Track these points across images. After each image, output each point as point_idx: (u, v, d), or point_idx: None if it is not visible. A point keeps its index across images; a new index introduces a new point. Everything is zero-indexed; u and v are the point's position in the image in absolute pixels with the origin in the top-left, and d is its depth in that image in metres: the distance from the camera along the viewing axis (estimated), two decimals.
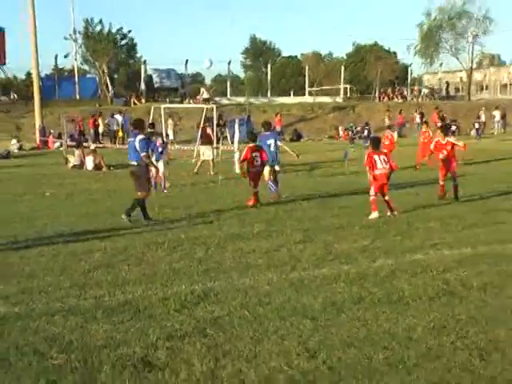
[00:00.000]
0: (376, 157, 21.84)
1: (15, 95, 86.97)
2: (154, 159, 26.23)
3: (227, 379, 8.85)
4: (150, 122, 34.65)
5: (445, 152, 23.97)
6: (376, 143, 22.93)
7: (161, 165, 29.37)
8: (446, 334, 10.52)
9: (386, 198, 22.07)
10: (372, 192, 21.96)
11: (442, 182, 24.98)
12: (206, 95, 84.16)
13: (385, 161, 21.84)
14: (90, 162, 42.68)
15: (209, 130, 42.35)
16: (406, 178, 30.96)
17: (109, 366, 9.36)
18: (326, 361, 9.44)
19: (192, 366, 9.29)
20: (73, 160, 44.38)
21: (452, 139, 24.20)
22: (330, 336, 10.52)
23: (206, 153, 39.29)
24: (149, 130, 24.55)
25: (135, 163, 21.70)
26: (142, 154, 22.09)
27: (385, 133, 41.73)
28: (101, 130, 66.35)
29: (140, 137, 22.34)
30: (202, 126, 44.48)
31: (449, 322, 11.08)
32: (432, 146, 25.87)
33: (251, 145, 26.03)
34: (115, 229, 19.99)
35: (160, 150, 30.54)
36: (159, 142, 30.13)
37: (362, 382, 8.64)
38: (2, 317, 11.78)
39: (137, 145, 21.75)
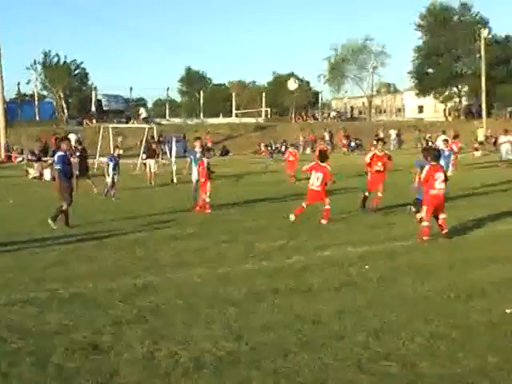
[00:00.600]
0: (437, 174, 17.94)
1: None
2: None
3: (163, 360, 8.83)
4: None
5: (380, 164, 22.74)
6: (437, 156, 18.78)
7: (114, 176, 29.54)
8: (348, 318, 10.59)
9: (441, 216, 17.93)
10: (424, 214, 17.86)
11: (380, 194, 23.34)
12: (144, 114, 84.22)
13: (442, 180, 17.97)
14: (47, 174, 42.28)
15: (154, 146, 42.54)
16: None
17: (61, 349, 9.29)
18: (248, 342, 9.46)
19: (133, 349, 9.26)
20: (33, 172, 44.69)
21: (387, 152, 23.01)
22: (252, 321, 10.53)
23: (152, 165, 39.32)
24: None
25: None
26: (56, 167, 21.99)
27: (289, 149, 41.65)
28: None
29: (59, 153, 22.19)
30: (145, 142, 44.56)
31: (350, 308, 11.16)
32: (368, 158, 23.69)
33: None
34: (68, 232, 19.83)
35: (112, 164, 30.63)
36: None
37: (278, 360, 8.66)
38: None
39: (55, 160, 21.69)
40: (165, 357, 8.96)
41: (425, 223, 17.69)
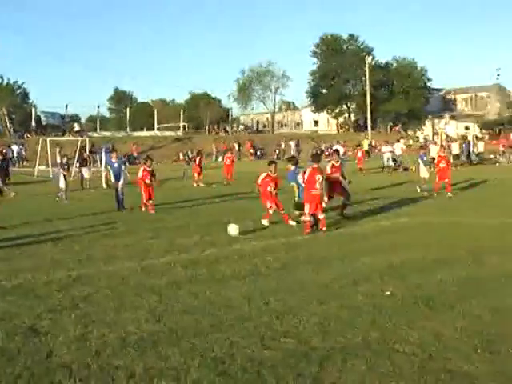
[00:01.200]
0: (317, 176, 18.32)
1: None
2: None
3: (94, 341, 8.74)
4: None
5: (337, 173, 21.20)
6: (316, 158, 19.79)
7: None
8: (255, 302, 10.62)
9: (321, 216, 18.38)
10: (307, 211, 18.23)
11: (326, 200, 20.76)
12: (77, 128, 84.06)
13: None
14: None
15: (85, 155, 42.26)
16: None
17: (4, 333, 9.16)
18: (168, 324, 9.43)
19: (67, 332, 9.15)
20: None
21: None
22: (171, 306, 10.50)
23: (86, 172, 39.01)
24: None
25: None
26: None
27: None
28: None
29: None
30: (79, 152, 44.18)
31: (257, 294, 11.18)
32: (329, 169, 21.58)
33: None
34: (14, 233, 19.54)
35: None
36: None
37: (193, 340, 8.64)
38: None
39: None
40: (95, 338, 8.88)
41: (306, 218, 18.19)
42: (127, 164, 33.97)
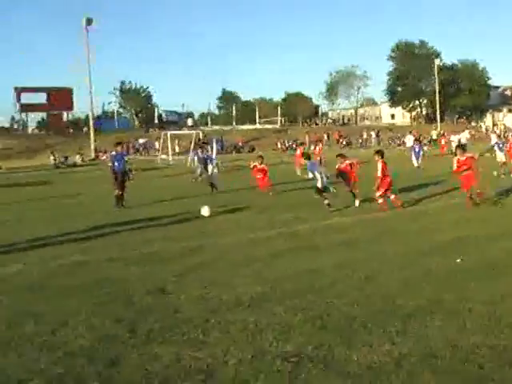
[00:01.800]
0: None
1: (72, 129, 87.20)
2: None
3: (211, 300, 8.93)
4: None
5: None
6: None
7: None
8: (345, 268, 10.64)
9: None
10: None
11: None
12: (190, 123, 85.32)
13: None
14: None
15: (200, 145, 42.68)
16: None
17: (139, 293, 9.44)
18: (272, 287, 9.51)
19: (190, 292, 9.35)
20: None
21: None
22: (274, 272, 10.62)
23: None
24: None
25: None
26: (109, 164, 22.33)
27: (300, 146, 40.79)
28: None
29: (112, 153, 22.55)
30: (194, 143, 44.75)
31: (347, 261, 11.18)
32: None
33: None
34: (141, 216, 19.92)
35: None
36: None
37: (294, 299, 8.74)
38: (75, 263, 11.89)
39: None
40: (213, 298, 9.06)
41: (381, 200, 18.19)
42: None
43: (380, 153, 18.69)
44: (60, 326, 7.97)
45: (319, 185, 18.90)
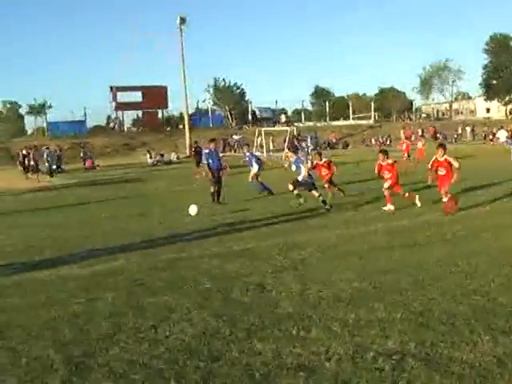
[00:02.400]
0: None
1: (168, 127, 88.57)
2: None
3: (311, 296, 8.83)
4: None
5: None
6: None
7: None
8: (445, 264, 10.37)
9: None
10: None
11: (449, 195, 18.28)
12: (284, 119, 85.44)
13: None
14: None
15: (296, 142, 42.71)
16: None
17: (238, 288, 9.43)
18: (371, 283, 9.38)
19: (289, 288, 9.28)
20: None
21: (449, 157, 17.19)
22: (374, 268, 10.44)
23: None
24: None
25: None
26: (203, 162, 22.61)
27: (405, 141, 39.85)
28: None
29: (205, 151, 22.59)
30: (289, 140, 44.78)
31: (446, 257, 10.93)
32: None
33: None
34: (231, 209, 20.04)
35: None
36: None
37: (394, 296, 8.57)
38: (173, 259, 12.00)
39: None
40: (312, 294, 8.96)
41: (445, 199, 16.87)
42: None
43: (443, 147, 17.47)
44: (161, 320, 8.02)
45: (300, 178, 18.99)
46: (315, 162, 21.83)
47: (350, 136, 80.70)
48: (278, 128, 70.05)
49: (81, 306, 8.95)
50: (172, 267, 11.33)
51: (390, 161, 18.88)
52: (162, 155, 58.84)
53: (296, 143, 43.57)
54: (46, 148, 48.48)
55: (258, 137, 55.92)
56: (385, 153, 19.13)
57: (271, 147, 61.63)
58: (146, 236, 15.13)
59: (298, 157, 20.55)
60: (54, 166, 45.78)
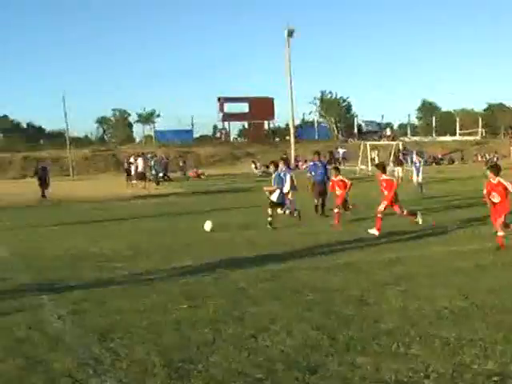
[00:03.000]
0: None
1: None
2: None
3: (412, 312, 8.69)
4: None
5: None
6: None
7: None
8: None
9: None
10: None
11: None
12: (388, 132, 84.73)
13: None
14: None
15: (401, 157, 42.32)
16: None
17: (340, 301, 9.39)
18: (474, 301, 9.15)
19: (390, 303, 9.19)
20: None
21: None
22: (477, 286, 10.18)
23: (399, 171, 38.49)
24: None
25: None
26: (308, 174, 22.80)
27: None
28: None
29: (311, 163, 22.66)
30: (394, 154, 44.42)
31: None
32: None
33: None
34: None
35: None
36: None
37: (501, 315, 8.34)
38: (276, 270, 12.08)
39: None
40: (413, 310, 8.81)
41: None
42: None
43: (495, 168, 14.66)
44: (261, 330, 8.07)
45: (284, 189, 19.63)
46: (330, 178, 21.20)
47: (456, 152, 79.18)
48: (383, 142, 69.48)
49: (183, 312, 9.13)
50: (275, 278, 11.39)
51: (341, 177, 19.74)
52: (267, 166, 59.20)
53: (401, 157, 43.04)
54: (154, 156, 49.73)
55: (363, 151, 55.58)
56: (337, 170, 20.10)
57: (376, 161, 61.19)
58: (251, 246, 15.30)
59: (289, 168, 20.64)
60: (161, 174, 46.88)
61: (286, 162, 24.52)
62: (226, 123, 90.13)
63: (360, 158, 54.99)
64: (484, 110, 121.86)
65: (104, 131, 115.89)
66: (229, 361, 6.98)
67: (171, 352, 7.34)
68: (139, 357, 7.21)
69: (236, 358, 7.09)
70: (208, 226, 18.55)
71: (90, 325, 8.62)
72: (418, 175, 31.55)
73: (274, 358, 7.05)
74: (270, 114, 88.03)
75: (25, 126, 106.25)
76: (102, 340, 7.89)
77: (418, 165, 32.01)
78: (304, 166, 58.74)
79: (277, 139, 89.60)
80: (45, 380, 6.56)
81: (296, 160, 66.67)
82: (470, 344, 7.25)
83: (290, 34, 66.57)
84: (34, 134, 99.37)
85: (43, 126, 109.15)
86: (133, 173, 47.37)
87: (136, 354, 7.33)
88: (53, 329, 8.53)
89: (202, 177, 54.69)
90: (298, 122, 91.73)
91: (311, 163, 22.86)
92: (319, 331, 7.91)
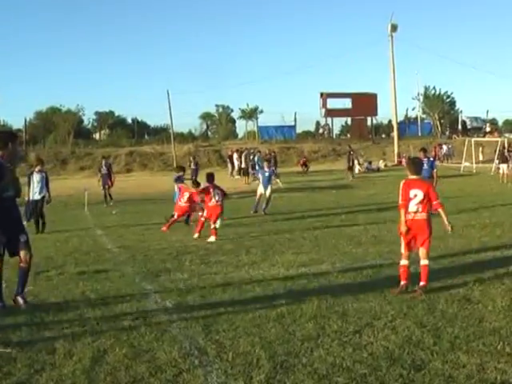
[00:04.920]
0: None
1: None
2: None
3: None
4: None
5: None
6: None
7: None
8: None
9: None
10: None
11: None
12: (488, 129, 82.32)
13: None
14: None
15: (506, 153, 41.10)
16: None
17: (444, 300, 9.18)
18: None
19: (496, 302, 8.91)
20: None
21: None
22: None
23: (504, 168, 37.46)
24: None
25: None
26: None
27: None
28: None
29: None
30: (499, 151, 43.26)
31: None
32: None
33: None
34: None
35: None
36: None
37: None
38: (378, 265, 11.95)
39: None
40: None
41: None
42: None
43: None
44: (364, 326, 8.00)
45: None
46: None
47: None
48: (487, 138, 67.62)
49: (286, 306, 9.13)
50: (378, 273, 11.30)
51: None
52: (370, 162, 58.72)
53: (506, 154, 41.67)
54: (258, 152, 50.03)
55: (467, 147, 54.29)
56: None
57: (481, 158, 59.63)
58: (354, 241, 15.22)
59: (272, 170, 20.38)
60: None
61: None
62: (329, 119, 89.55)
63: (464, 155, 53.65)
64: None
65: (207, 127, 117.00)
66: (333, 356, 6.92)
67: (275, 345, 7.35)
68: (244, 349, 7.25)
69: (340, 353, 7.01)
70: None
71: (195, 316, 8.75)
72: None
73: (377, 354, 6.93)
74: (373, 110, 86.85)
75: (130, 121, 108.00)
76: (207, 332, 7.99)
77: None
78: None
79: (382, 135, 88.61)
80: (150, 369, 6.71)
81: (399, 156, 65.82)
82: None
83: (394, 28, 65.87)
84: (138, 130, 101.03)
85: (148, 122, 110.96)
86: (236, 168, 47.86)
87: (242, 346, 7.38)
88: (158, 319, 8.73)
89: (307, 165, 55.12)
90: (400, 118, 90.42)
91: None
92: (423, 329, 7.74)
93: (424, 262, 9.87)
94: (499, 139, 53.95)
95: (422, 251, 9.90)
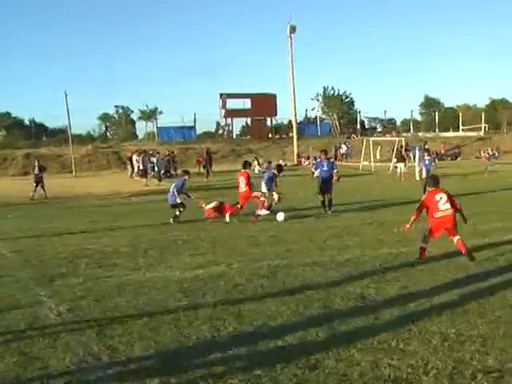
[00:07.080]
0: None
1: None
2: None
3: (412, 309, 8.65)
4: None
5: None
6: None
7: None
8: None
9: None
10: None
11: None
12: (379, 129, 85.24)
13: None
14: None
15: (403, 152, 42.40)
16: None
17: (340, 297, 9.35)
18: (474, 298, 9.14)
19: (392, 300, 9.12)
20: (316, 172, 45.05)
21: None
22: (474, 282, 10.15)
23: (402, 167, 38.77)
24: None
25: None
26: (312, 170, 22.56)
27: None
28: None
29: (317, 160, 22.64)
30: (396, 150, 44.44)
31: None
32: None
33: None
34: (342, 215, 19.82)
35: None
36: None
37: (497, 313, 8.33)
38: (275, 265, 12.04)
39: None
40: (412, 306, 8.78)
41: None
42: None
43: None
44: (262, 325, 8.12)
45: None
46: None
47: (459, 147, 79.04)
48: (385, 138, 69.31)
49: (182, 309, 9.11)
50: (273, 274, 11.36)
51: None
52: (270, 162, 59.21)
53: (403, 153, 43.04)
54: (157, 153, 49.72)
55: (365, 147, 55.48)
56: None
57: (378, 157, 61.07)
58: (251, 241, 15.30)
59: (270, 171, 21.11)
60: (162, 171, 46.90)
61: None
62: (229, 120, 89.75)
63: (362, 154, 54.80)
64: (487, 106, 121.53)
65: (106, 128, 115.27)
66: (229, 357, 6.97)
67: (170, 349, 7.34)
68: (138, 354, 7.20)
69: (236, 354, 7.07)
70: (280, 216, 19.53)
71: (89, 322, 8.60)
72: (426, 172, 30.90)
73: (271, 354, 7.04)
74: (272, 111, 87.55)
75: (27, 122, 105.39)
76: (101, 337, 7.88)
77: (427, 162, 31.62)
78: (307, 163, 58.84)
79: (282, 135, 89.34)
80: (42, 377, 6.54)
81: (299, 156, 66.71)
82: (470, 340, 7.27)
83: (293, 30, 66.69)
84: (36, 131, 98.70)
85: (46, 124, 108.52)
86: (135, 170, 47.38)
87: (136, 351, 7.33)
88: (51, 325, 8.52)
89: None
90: (300, 118, 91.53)
91: (318, 160, 23.05)
92: (318, 327, 7.88)
93: (457, 237, 12.06)
94: (397, 139, 55.39)
95: (452, 235, 12.16)
